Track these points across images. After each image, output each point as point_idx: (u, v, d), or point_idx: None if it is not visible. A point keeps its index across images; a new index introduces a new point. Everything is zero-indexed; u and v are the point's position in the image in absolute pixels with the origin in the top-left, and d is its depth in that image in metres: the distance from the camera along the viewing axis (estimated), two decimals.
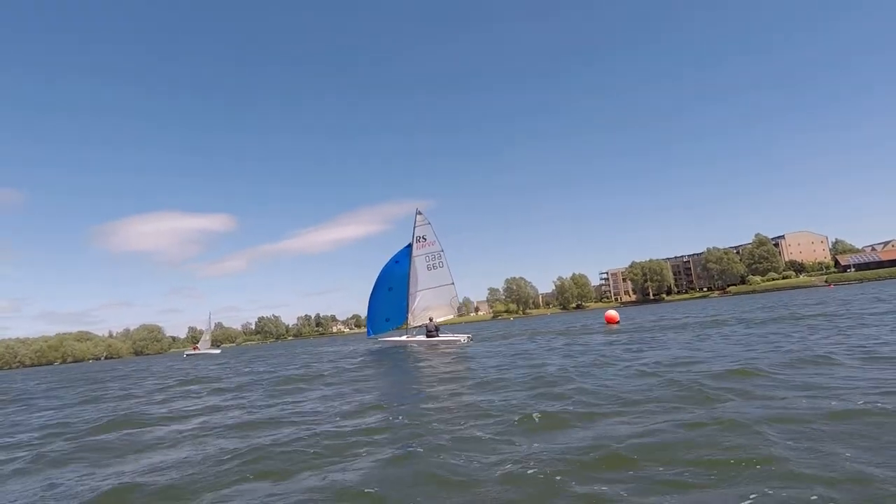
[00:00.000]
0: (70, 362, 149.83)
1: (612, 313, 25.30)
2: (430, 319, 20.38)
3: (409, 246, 21.28)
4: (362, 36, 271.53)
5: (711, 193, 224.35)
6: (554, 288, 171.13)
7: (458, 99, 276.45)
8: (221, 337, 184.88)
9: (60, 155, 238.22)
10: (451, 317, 21.87)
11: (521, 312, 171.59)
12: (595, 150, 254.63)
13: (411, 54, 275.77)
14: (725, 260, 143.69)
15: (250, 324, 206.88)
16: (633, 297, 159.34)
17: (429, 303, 21.26)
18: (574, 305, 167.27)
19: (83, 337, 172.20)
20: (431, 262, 21.51)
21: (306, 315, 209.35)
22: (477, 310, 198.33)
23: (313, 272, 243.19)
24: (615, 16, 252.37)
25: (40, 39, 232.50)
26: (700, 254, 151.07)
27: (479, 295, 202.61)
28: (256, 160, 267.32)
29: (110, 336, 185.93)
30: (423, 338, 19.53)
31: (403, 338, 20.48)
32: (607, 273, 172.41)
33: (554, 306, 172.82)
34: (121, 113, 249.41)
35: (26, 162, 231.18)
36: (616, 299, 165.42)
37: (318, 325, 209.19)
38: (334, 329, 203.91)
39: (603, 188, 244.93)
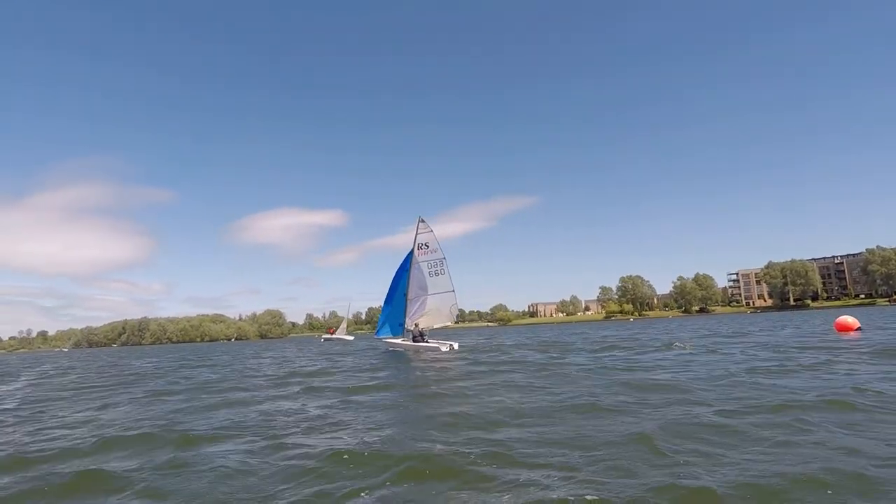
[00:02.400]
0: (207, 341, 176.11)
1: (848, 319, 18.98)
2: (416, 325, 22.05)
3: (411, 253, 23.09)
4: (472, 29, 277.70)
5: (867, 187, 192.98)
6: (672, 289, 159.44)
7: (564, 89, 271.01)
8: (334, 324, 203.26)
9: (204, 156, 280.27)
10: (449, 324, 23.23)
11: (636, 314, 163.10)
12: (720, 139, 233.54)
13: (524, 46, 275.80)
14: (894, 261, 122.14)
15: (361, 313, 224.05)
16: (769, 302, 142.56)
17: (429, 308, 22.90)
18: (697, 309, 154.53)
19: (217, 319, 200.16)
20: (433, 269, 23.06)
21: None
22: (587, 309, 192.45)
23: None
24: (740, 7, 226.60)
25: (187, 45, 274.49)
26: (857, 255, 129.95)
27: (589, 294, 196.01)
28: (367, 156, 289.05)
29: (240, 319, 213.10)
30: (410, 343, 21.37)
31: (399, 340, 22.46)
32: (737, 274, 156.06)
33: (673, 309, 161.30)
34: (248, 113, 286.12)
35: (180, 162, 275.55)
36: (748, 304, 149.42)
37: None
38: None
39: (733, 181, 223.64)
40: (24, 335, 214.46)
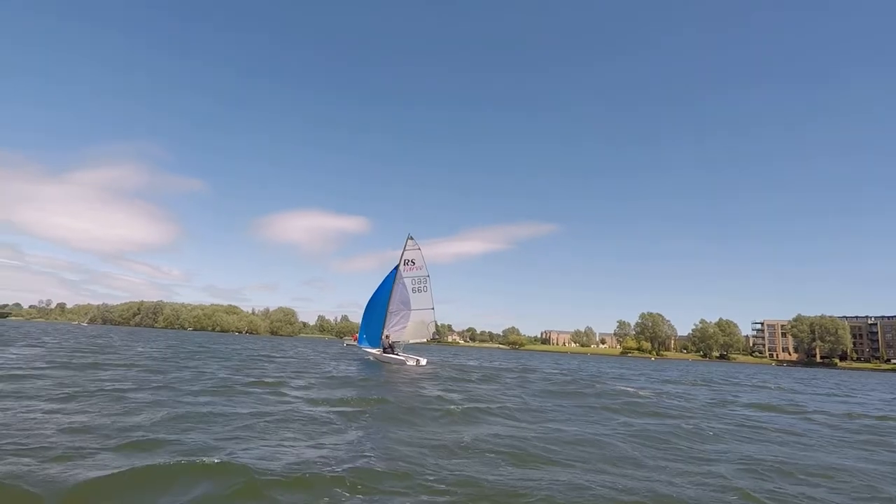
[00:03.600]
0: (218, 331, 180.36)
1: None
2: (387, 337, 23.36)
3: (396, 268, 24.43)
4: (515, 49, 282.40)
5: None
6: (691, 331, 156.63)
7: (601, 118, 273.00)
8: (344, 329, 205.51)
9: (238, 151, 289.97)
10: (424, 340, 24.39)
11: (654, 353, 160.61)
12: (757, 184, 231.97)
13: (567, 69, 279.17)
14: None
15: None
16: (794, 357, 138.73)
17: (409, 323, 24.15)
18: (717, 355, 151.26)
19: (231, 311, 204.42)
20: (417, 286, 24.34)
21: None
22: (602, 342, 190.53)
23: (434, 282, 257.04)
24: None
25: (238, 42, 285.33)
26: (893, 317, 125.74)
27: (602, 326, 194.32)
28: (397, 167, 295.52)
29: (253, 313, 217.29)
30: (379, 352, 22.82)
31: (376, 351, 23.74)
32: (762, 324, 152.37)
33: (691, 352, 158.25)
34: (285, 114, 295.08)
35: (214, 154, 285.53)
36: (771, 356, 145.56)
37: (435, 332, 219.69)
38: (450, 339, 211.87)
39: (764, 228, 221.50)
40: (44, 305, 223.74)
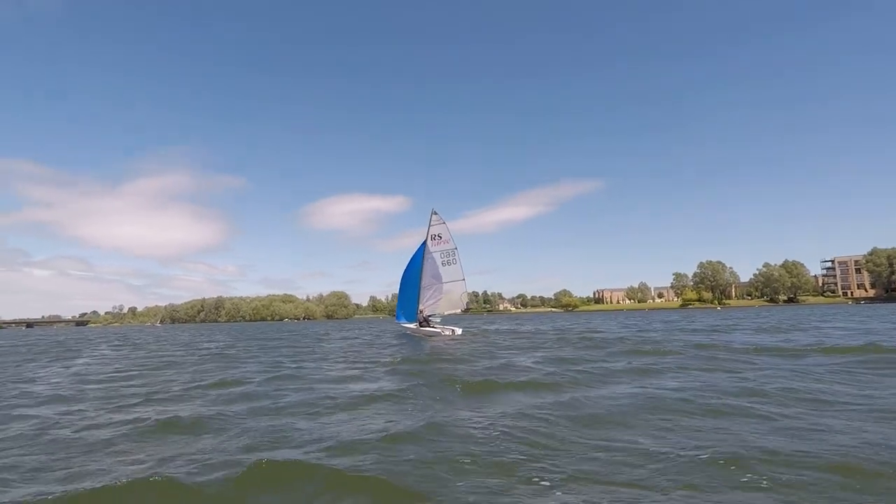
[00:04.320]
0: (277, 320, 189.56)
1: None
2: (421, 312, 24.30)
3: (424, 243, 25.20)
4: (538, 15, 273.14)
5: None
6: (752, 277, 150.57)
7: (630, 71, 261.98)
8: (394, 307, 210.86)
9: (274, 144, 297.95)
10: (459, 311, 25.20)
11: (716, 303, 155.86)
12: (812, 121, 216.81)
13: (590, 28, 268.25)
14: None
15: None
16: (871, 293, 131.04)
17: (442, 296, 25.00)
18: (785, 298, 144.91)
19: (287, 299, 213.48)
20: (446, 259, 25.06)
21: (474, 292, 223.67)
22: (660, 296, 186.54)
23: (479, 252, 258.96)
24: None
25: (258, 37, 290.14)
26: None
27: (657, 281, 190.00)
28: (431, 143, 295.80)
29: (307, 300, 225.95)
30: (416, 326, 23.92)
31: (412, 325, 24.82)
32: (832, 261, 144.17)
33: (756, 298, 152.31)
34: (315, 102, 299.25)
35: (253, 150, 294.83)
36: (845, 294, 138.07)
37: (485, 302, 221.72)
38: (500, 307, 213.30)
39: (828, 165, 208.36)
40: (118, 310, 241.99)
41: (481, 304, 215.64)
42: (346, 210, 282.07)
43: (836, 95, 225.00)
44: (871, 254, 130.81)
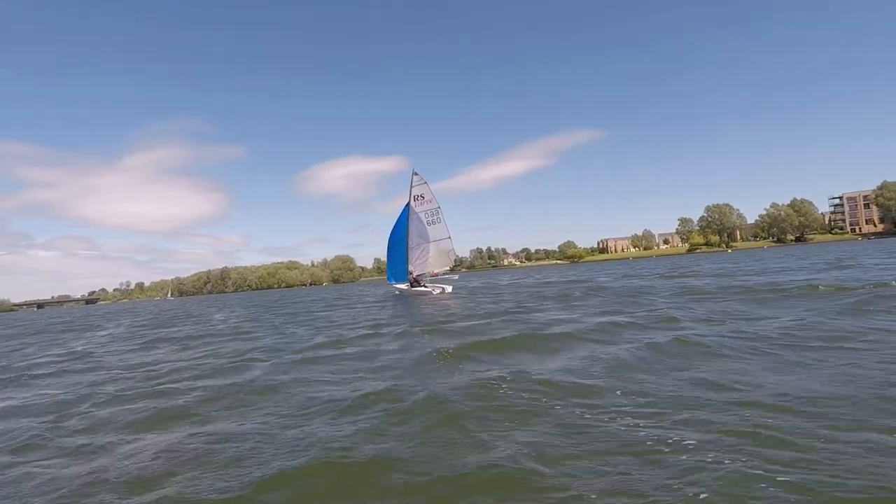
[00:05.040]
0: (283, 287, 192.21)
1: None
2: (411, 273, 24.99)
3: (408, 205, 25.60)
4: None
5: None
6: (758, 218, 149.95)
7: (623, 22, 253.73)
8: None
9: (269, 110, 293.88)
10: (448, 267, 25.87)
11: (724, 246, 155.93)
12: (819, 62, 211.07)
13: None
14: None
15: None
16: (880, 228, 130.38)
17: (431, 254, 25.63)
18: (793, 238, 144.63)
19: (292, 266, 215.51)
20: (430, 218, 25.57)
21: (478, 248, 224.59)
22: (667, 242, 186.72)
23: (479, 208, 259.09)
24: None
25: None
26: None
27: (662, 228, 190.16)
28: (424, 101, 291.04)
29: (312, 265, 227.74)
30: (407, 286, 24.63)
31: (403, 286, 25.57)
32: (840, 198, 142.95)
33: (764, 239, 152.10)
34: (304, 67, 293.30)
35: (246, 119, 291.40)
36: (853, 230, 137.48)
37: (490, 258, 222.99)
38: (505, 262, 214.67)
39: (829, 99, 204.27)
40: (126, 287, 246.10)
41: (486, 261, 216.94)
42: (343, 174, 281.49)
43: (841, 39, 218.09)
44: (881, 188, 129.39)
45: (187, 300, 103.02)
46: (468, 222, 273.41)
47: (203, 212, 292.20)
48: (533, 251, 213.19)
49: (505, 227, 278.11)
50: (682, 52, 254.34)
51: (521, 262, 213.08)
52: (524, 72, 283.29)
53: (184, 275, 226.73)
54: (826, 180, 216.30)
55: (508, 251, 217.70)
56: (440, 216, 25.56)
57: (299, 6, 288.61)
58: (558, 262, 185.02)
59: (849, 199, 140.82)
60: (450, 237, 25.61)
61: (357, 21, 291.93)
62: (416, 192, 25.61)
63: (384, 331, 10.62)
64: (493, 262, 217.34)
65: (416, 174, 25.69)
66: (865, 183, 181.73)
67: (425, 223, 25.61)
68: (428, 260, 25.64)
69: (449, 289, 23.64)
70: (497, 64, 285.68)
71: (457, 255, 26.33)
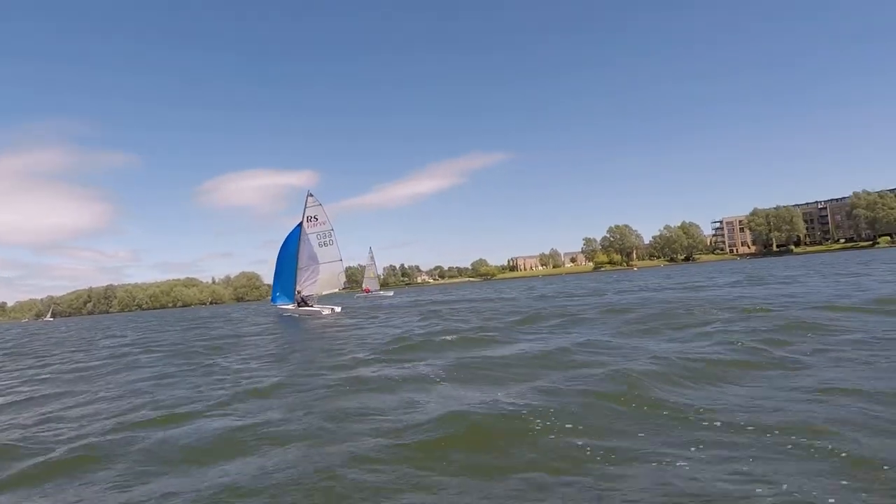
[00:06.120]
0: (180, 306, 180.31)
1: None
2: (299, 293, 25.49)
3: (300, 225, 26.08)
4: None
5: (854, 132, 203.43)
6: (653, 238, 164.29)
7: (534, 48, 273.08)
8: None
9: (166, 118, 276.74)
10: (336, 290, 26.59)
11: (625, 264, 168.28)
12: (705, 92, 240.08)
13: (498, 7, 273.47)
14: (881, 205, 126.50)
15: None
16: (753, 249, 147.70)
17: (320, 276, 26.17)
18: (683, 258, 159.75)
19: (190, 283, 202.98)
20: (322, 240, 26.12)
21: (391, 265, 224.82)
22: (574, 260, 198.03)
23: (392, 225, 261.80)
24: None
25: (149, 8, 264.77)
26: (842, 199, 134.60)
27: (566, 247, 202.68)
28: (337, 117, 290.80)
29: (214, 283, 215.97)
30: (294, 307, 25.04)
31: (291, 306, 25.86)
32: (721, 222, 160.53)
33: (658, 258, 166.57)
34: (214, 76, 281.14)
35: (140, 126, 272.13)
36: (731, 251, 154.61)
37: (403, 275, 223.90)
38: (419, 279, 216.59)
39: (717, 129, 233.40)
40: None
41: (399, 278, 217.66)
42: (250, 186, 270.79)
43: (735, 69, 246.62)
44: (752, 214, 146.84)
45: (66, 321, 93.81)
46: (381, 239, 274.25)
47: (84, 223, 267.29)
48: (446, 269, 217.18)
49: (418, 245, 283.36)
50: (582, 77, 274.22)
51: (434, 279, 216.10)
52: (434, 90, 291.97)
53: (59, 293, 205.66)
54: (709, 204, 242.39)
55: (422, 268, 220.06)
56: (333, 238, 26.14)
57: (206, 13, 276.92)
58: (471, 279, 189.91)
59: (727, 223, 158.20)
60: (341, 260, 26.29)
61: (267, 33, 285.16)
62: (309, 213, 26.02)
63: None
64: (406, 279, 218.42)
65: (310, 195, 26.15)
66: (743, 207, 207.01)
67: (316, 245, 26.05)
68: (317, 281, 26.08)
69: (338, 309, 24.22)
70: (407, 83, 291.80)
71: (345, 278, 27.08)
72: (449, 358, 7.43)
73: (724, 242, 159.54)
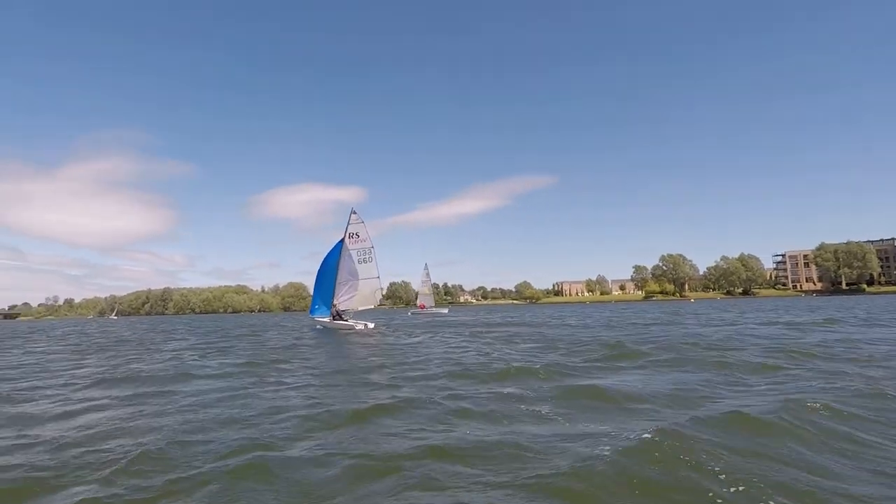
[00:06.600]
0: (230, 312, 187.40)
1: None
2: (335, 306, 26.25)
3: (342, 241, 26.98)
4: (493, 8, 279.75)
5: None
6: (707, 269, 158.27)
7: (583, 71, 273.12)
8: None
9: (225, 131, 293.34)
10: (372, 306, 27.17)
11: (677, 295, 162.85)
12: (768, 117, 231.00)
13: (544, 26, 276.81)
14: None
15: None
16: (819, 286, 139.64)
17: (358, 292, 26.90)
18: (740, 291, 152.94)
19: (241, 291, 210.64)
20: (362, 257, 26.93)
21: (434, 283, 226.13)
22: (623, 288, 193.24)
23: (437, 243, 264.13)
24: None
25: (209, 21, 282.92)
26: None
27: (613, 274, 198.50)
28: (388, 134, 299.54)
29: (262, 291, 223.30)
30: (329, 320, 25.86)
31: (326, 319, 26.68)
32: (783, 255, 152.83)
33: (714, 290, 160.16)
34: (270, 90, 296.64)
35: (199, 136, 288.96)
36: (794, 287, 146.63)
37: (446, 293, 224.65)
38: (462, 299, 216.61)
39: (783, 160, 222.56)
40: (52, 302, 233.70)
41: (442, 296, 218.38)
42: (300, 200, 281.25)
43: (791, 93, 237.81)
44: (819, 248, 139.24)
45: (126, 320, 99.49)
46: (425, 257, 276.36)
47: (146, 228, 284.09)
48: (489, 289, 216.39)
49: (461, 265, 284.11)
50: (634, 101, 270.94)
51: (476, 299, 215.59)
52: (481, 111, 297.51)
53: (120, 293, 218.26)
54: (772, 237, 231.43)
55: (465, 288, 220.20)
56: (372, 256, 26.91)
57: (267, 30, 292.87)
58: (514, 301, 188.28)
59: (790, 257, 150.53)
60: (378, 277, 27.01)
61: (323, 52, 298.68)
62: (351, 230, 26.95)
63: None
64: (449, 297, 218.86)
65: (354, 212, 27.13)
66: (806, 242, 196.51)
67: (356, 261, 26.90)
68: (355, 297, 26.80)
69: (371, 325, 24.86)
70: (454, 102, 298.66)
71: (382, 294, 27.70)
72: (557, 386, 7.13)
73: (786, 277, 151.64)
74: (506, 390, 6.97)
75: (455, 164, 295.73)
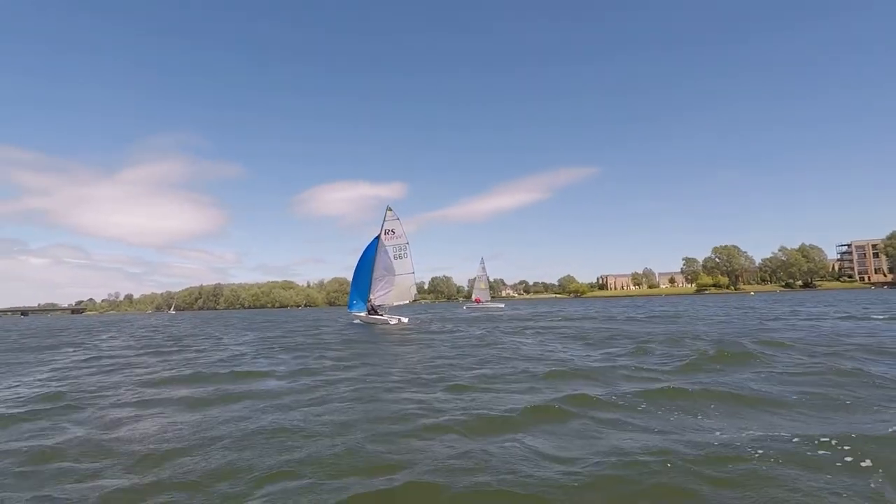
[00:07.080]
0: (277, 307, 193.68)
1: None
2: (369, 302, 26.82)
3: (378, 238, 27.53)
4: (533, 5, 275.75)
5: None
6: (762, 261, 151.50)
7: (626, 60, 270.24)
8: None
9: (269, 131, 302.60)
10: (407, 301, 27.63)
11: (731, 288, 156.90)
12: (823, 102, 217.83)
13: (583, 19, 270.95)
14: None
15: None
16: (889, 278, 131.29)
17: (393, 287, 27.42)
18: (800, 283, 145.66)
19: (287, 286, 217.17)
20: (397, 253, 27.39)
21: (475, 277, 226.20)
22: (672, 281, 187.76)
23: (477, 238, 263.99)
24: None
25: (250, 23, 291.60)
26: None
27: (659, 266, 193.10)
28: (428, 131, 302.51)
29: (308, 286, 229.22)
30: (365, 315, 26.51)
31: (362, 314, 27.33)
32: (849, 245, 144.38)
33: (772, 283, 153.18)
34: (311, 89, 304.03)
35: (247, 138, 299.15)
36: (861, 279, 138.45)
37: (489, 288, 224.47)
38: (503, 293, 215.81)
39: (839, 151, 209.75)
40: (114, 298, 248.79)
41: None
42: (343, 197, 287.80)
43: (844, 89, 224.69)
44: (890, 237, 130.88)
45: (182, 314, 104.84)
46: (465, 251, 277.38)
47: (198, 227, 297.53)
48: (531, 283, 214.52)
49: (502, 259, 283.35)
50: (679, 93, 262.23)
51: (518, 293, 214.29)
52: (520, 106, 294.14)
53: (175, 289, 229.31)
54: (831, 228, 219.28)
55: (506, 282, 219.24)
56: (407, 252, 27.35)
57: (307, 30, 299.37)
58: (558, 295, 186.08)
59: (857, 246, 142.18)
60: (413, 273, 27.41)
61: (363, 50, 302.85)
62: (387, 226, 27.45)
63: None
64: (491, 292, 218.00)
65: (390, 209, 27.62)
66: (873, 231, 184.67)
67: (392, 257, 27.40)
68: (390, 292, 27.31)
69: (405, 320, 25.35)
70: (493, 97, 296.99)
71: (417, 290, 28.14)
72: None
73: (852, 268, 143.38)
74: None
75: (494, 159, 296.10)
